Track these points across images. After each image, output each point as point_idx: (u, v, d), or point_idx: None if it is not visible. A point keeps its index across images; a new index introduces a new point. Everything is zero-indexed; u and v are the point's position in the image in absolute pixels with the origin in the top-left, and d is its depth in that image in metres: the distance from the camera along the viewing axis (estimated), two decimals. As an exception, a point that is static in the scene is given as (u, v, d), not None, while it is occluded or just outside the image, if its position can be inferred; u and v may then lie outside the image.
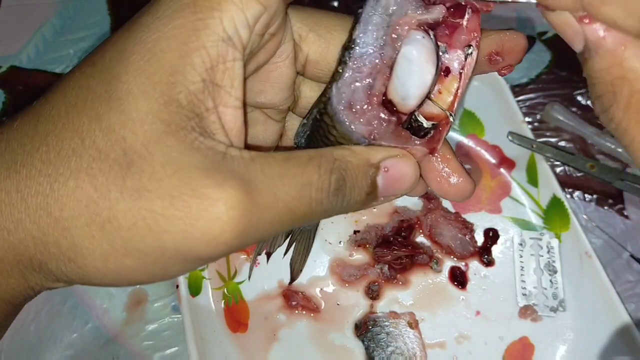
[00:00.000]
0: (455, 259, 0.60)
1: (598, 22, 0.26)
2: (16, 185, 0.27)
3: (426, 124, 0.31)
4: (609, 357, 0.56)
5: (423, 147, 0.32)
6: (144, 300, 0.61)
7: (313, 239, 0.47)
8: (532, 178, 0.62)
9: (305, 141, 0.35)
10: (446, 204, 0.62)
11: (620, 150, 0.64)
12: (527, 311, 0.58)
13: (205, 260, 0.29)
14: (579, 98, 0.70)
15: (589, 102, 0.70)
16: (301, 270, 0.49)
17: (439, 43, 0.31)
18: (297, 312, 0.58)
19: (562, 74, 0.71)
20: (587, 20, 0.26)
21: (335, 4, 0.75)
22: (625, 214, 0.64)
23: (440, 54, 0.31)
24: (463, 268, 0.60)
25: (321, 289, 0.59)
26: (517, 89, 0.70)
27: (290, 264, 0.49)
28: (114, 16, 0.75)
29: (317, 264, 0.60)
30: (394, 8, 0.30)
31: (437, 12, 0.30)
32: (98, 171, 0.26)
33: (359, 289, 0.59)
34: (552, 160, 0.64)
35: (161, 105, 0.27)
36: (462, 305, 0.59)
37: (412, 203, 0.62)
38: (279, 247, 0.45)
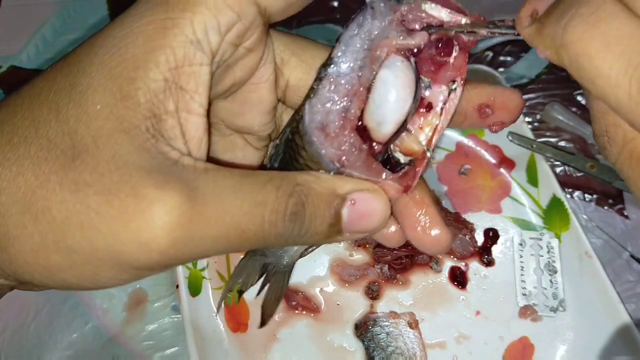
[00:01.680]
0: (455, 259, 0.60)
1: None
2: None
3: (403, 159, 0.30)
4: (609, 357, 0.56)
5: (396, 183, 0.30)
6: (144, 300, 0.61)
7: (287, 282, 0.43)
8: (532, 178, 0.62)
9: (277, 165, 0.34)
10: (446, 204, 0.62)
11: (620, 150, 0.64)
12: (527, 311, 0.58)
13: (139, 270, 0.27)
14: (579, 98, 0.70)
15: (589, 102, 0.70)
16: (272, 315, 0.45)
17: (423, 78, 0.30)
18: (297, 312, 0.58)
19: (562, 74, 0.71)
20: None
21: (335, 4, 0.75)
22: (625, 214, 0.64)
23: (424, 87, 0.30)
24: (463, 268, 0.60)
25: (321, 289, 0.59)
26: (517, 89, 0.70)
27: (262, 307, 0.44)
28: (114, 16, 0.75)
29: (317, 264, 0.60)
30: (376, 32, 0.29)
31: (419, 38, 0.29)
32: (43, 160, 0.25)
33: (359, 289, 0.59)
34: (552, 160, 0.64)
35: (118, 100, 0.26)
36: (462, 305, 0.59)
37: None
38: (251, 285, 0.42)
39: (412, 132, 0.30)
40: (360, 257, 0.60)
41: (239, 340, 0.57)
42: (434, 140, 0.30)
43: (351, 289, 0.59)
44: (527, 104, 0.70)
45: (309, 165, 0.30)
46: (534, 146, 0.62)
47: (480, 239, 0.61)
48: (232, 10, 0.28)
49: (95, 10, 0.75)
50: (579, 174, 0.66)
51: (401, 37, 0.29)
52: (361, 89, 0.29)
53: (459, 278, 0.60)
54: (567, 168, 0.66)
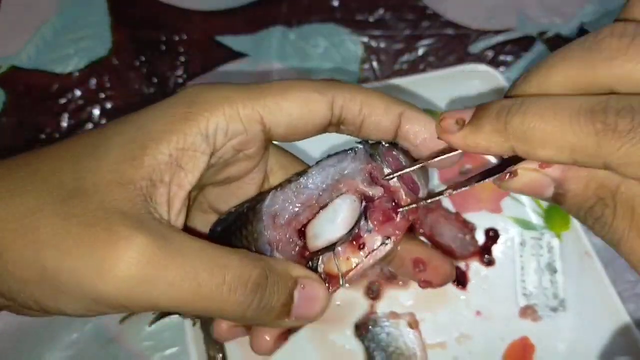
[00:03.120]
0: (455, 259, 0.60)
1: (554, 165, 0.30)
2: None
3: (323, 275, 0.36)
4: (609, 356, 0.56)
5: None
6: (144, 301, 0.61)
7: None
8: (533, 178, 0.62)
9: (222, 223, 0.39)
10: (446, 203, 0.62)
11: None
12: (527, 311, 0.58)
13: (95, 301, 0.30)
14: (579, 98, 0.70)
15: (589, 102, 0.70)
16: None
17: (369, 223, 0.35)
18: (297, 312, 0.58)
19: (562, 73, 0.71)
20: (545, 165, 0.30)
21: (335, 4, 0.75)
22: (626, 213, 0.64)
23: (365, 230, 0.35)
24: (463, 268, 0.60)
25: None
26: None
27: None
28: (113, 16, 0.75)
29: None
30: (348, 171, 0.36)
31: (375, 191, 0.35)
32: (47, 193, 0.30)
33: (359, 289, 0.59)
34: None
35: (126, 159, 0.31)
36: (463, 305, 0.59)
37: (412, 203, 0.62)
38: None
39: (340, 257, 0.35)
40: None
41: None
42: (351, 273, 0.36)
43: (351, 289, 0.59)
44: (527, 103, 0.70)
45: (248, 240, 0.36)
46: (534, 146, 0.62)
47: (480, 238, 0.61)
48: (241, 122, 0.33)
49: (95, 10, 0.75)
50: (579, 174, 0.65)
51: (363, 184, 0.35)
52: (316, 204, 0.36)
53: (459, 278, 0.60)
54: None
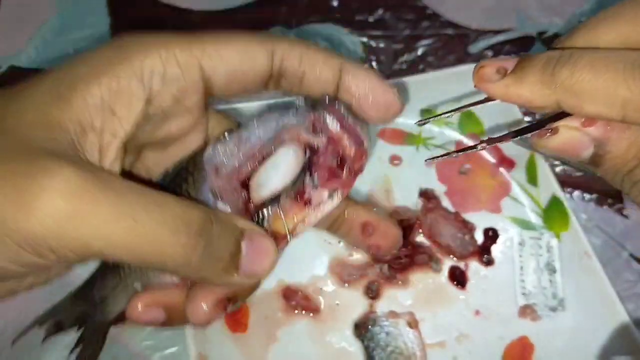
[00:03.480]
0: (454, 258, 0.60)
1: (598, 122, 0.29)
2: None
3: (265, 225, 0.34)
4: (608, 356, 0.56)
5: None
6: (143, 300, 0.61)
7: (102, 344, 0.43)
8: (532, 177, 0.62)
9: (162, 181, 0.37)
10: (446, 203, 0.62)
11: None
12: (526, 310, 0.58)
13: (20, 246, 0.26)
14: (579, 97, 0.70)
15: (588, 102, 0.69)
16: None
17: (314, 177, 0.34)
18: (296, 311, 0.58)
19: (561, 73, 0.71)
20: (587, 124, 0.29)
21: (335, 3, 0.75)
22: (625, 213, 0.64)
23: (312, 185, 0.34)
24: (463, 268, 0.60)
25: (321, 289, 0.59)
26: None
27: None
28: (113, 16, 0.75)
29: (317, 264, 0.60)
30: (291, 121, 0.35)
31: (318, 140, 0.34)
32: None
33: (359, 288, 0.59)
34: (551, 159, 0.64)
35: (53, 100, 0.28)
36: (462, 305, 0.59)
37: (412, 203, 0.62)
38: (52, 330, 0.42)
39: (287, 213, 0.34)
40: (359, 256, 0.60)
41: (238, 340, 0.57)
42: (297, 228, 0.35)
43: (351, 289, 0.59)
44: (526, 103, 0.70)
45: (189, 192, 0.35)
46: (534, 146, 0.62)
47: (480, 238, 0.61)
48: (178, 66, 0.31)
49: (94, 10, 0.75)
50: (578, 174, 0.65)
51: (307, 133, 0.34)
52: (259, 155, 0.34)
53: (458, 278, 0.60)
54: (566, 167, 0.66)
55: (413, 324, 0.58)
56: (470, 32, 0.74)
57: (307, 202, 0.34)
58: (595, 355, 0.56)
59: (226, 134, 0.35)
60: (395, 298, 0.59)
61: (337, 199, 0.35)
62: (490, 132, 0.65)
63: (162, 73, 0.31)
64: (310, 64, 0.34)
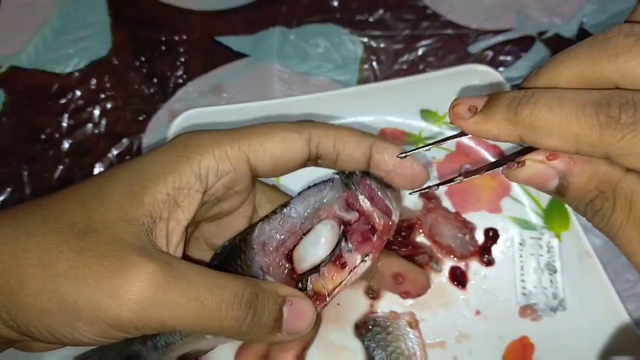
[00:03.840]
0: (455, 258, 0.60)
1: (561, 156, 0.32)
2: (5, 233, 0.34)
3: (308, 289, 0.39)
4: (609, 356, 0.56)
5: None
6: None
7: None
8: (532, 177, 0.62)
9: (219, 256, 0.44)
10: (446, 203, 0.62)
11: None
12: (527, 310, 0.58)
13: (110, 326, 0.33)
14: (579, 98, 0.70)
15: (588, 102, 0.69)
16: None
17: (349, 243, 0.39)
18: (297, 311, 0.58)
19: (562, 73, 0.71)
20: (551, 158, 0.32)
21: (335, 3, 0.75)
22: (625, 213, 0.64)
23: (346, 250, 0.39)
24: (463, 268, 0.60)
25: (321, 289, 0.59)
26: (517, 88, 0.70)
27: None
28: (113, 16, 0.75)
29: (317, 264, 0.60)
30: (327, 200, 0.40)
31: (351, 216, 0.40)
32: (62, 234, 0.34)
33: (359, 289, 0.59)
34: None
35: (128, 199, 0.35)
36: (462, 305, 0.59)
37: (412, 203, 0.62)
38: None
39: (325, 277, 0.39)
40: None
41: (239, 340, 0.57)
42: (335, 291, 0.40)
43: (351, 289, 0.59)
44: (527, 103, 0.70)
45: (243, 267, 0.40)
46: (534, 146, 0.62)
47: (480, 238, 0.61)
48: (229, 162, 0.38)
49: (95, 10, 0.75)
50: (578, 174, 0.65)
51: (340, 210, 0.40)
52: (299, 231, 0.40)
53: (459, 278, 0.60)
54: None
55: (413, 324, 0.58)
56: (470, 32, 0.74)
57: (343, 266, 0.39)
58: (596, 355, 0.56)
59: (271, 214, 0.41)
60: (396, 298, 0.59)
61: (369, 261, 0.40)
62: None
63: (216, 170, 0.37)
64: (343, 146, 0.40)
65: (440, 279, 0.60)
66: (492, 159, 0.64)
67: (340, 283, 0.40)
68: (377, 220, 0.39)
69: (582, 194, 0.32)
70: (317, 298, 0.40)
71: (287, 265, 0.40)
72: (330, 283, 0.39)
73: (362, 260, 0.40)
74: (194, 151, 0.37)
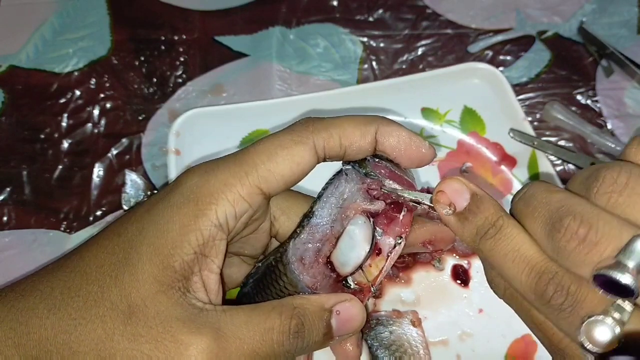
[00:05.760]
0: (457, 256, 0.60)
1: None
2: (52, 324, 0.35)
3: (352, 286, 0.39)
4: (611, 353, 0.56)
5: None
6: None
7: None
8: (534, 175, 0.62)
9: (253, 282, 0.44)
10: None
11: (619, 149, 0.65)
12: (529, 308, 0.58)
13: None
14: (579, 97, 0.70)
15: (588, 101, 0.70)
16: None
17: (377, 227, 0.39)
18: (299, 310, 0.58)
19: (561, 73, 0.71)
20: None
21: (335, 3, 0.75)
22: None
23: (377, 236, 0.39)
24: (465, 266, 0.60)
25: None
26: (517, 88, 0.70)
27: None
28: (113, 16, 0.75)
29: (320, 263, 0.60)
30: (348, 195, 0.39)
31: (378, 205, 0.39)
32: (109, 318, 0.34)
33: (362, 287, 0.59)
34: (553, 157, 0.65)
35: (160, 270, 0.35)
36: (465, 303, 0.59)
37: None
38: None
39: (364, 268, 0.39)
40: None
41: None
42: (378, 279, 0.39)
43: (353, 288, 0.59)
44: (526, 103, 0.70)
45: (287, 288, 0.40)
46: (535, 143, 0.62)
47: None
48: (245, 201, 0.37)
49: (94, 9, 0.75)
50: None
51: (366, 203, 0.39)
52: (332, 236, 0.39)
53: (461, 276, 0.60)
54: (567, 166, 0.66)
55: (416, 322, 0.57)
56: (470, 31, 0.74)
57: (380, 252, 0.39)
58: (599, 352, 0.56)
59: (298, 228, 0.40)
60: (399, 297, 0.59)
61: (403, 242, 0.39)
62: (492, 130, 0.65)
63: (233, 214, 0.37)
64: (349, 143, 0.39)
65: (443, 277, 0.60)
66: (493, 158, 0.64)
67: (381, 270, 0.39)
68: (404, 197, 0.39)
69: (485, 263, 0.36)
70: (362, 291, 0.40)
71: (331, 274, 0.39)
72: (370, 274, 0.39)
73: (397, 242, 0.39)
74: (207, 202, 0.36)
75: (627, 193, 0.30)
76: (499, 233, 0.34)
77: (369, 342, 0.57)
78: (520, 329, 0.57)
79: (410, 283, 0.59)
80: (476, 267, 0.60)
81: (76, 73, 0.72)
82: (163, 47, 0.73)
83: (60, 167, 0.67)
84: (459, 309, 0.59)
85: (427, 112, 0.66)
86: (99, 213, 0.65)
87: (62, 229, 0.65)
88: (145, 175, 0.67)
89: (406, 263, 0.59)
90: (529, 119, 0.68)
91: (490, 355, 0.57)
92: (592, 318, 0.29)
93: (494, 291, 0.37)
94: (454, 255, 0.60)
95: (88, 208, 0.65)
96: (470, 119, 0.65)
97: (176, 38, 0.74)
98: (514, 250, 0.33)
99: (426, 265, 0.60)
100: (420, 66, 0.72)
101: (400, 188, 0.39)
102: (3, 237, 0.64)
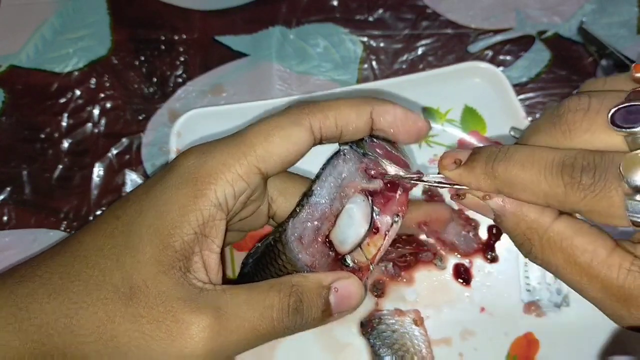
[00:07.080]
0: (459, 255, 0.60)
1: (495, 197, 0.35)
2: (52, 309, 0.35)
3: (351, 264, 0.40)
4: (612, 351, 0.56)
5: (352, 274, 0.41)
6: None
7: None
8: (535, 175, 0.62)
9: (253, 262, 0.44)
10: (449, 201, 0.62)
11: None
12: (531, 307, 0.58)
13: None
14: (578, 96, 0.70)
15: (588, 100, 0.70)
16: None
17: (375, 207, 0.40)
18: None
19: (561, 73, 0.71)
20: (488, 197, 0.35)
21: (335, 3, 0.75)
22: (627, 210, 0.64)
23: (375, 215, 0.40)
24: (467, 265, 0.60)
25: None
26: (517, 88, 0.70)
27: None
28: (113, 15, 0.75)
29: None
30: (346, 174, 0.40)
31: (376, 184, 0.40)
32: (110, 301, 0.35)
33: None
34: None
35: (160, 250, 0.35)
36: (467, 302, 0.59)
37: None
38: None
39: (363, 247, 0.40)
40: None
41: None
42: (377, 257, 0.40)
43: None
44: (526, 103, 0.70)
45: (286, 267, 0.40)
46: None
47: (483, 235, 0.61)
48: (244, 180, 0.38)
49: (94, 9, 0.75)
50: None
51: (364, 182, 0.40)
52: (331, 214, 0.40)
53: (463, 275, 0.60)
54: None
55: (419, 321, 0.57)
56: (470, 31, 0.74)
57: (378, 231, 0.40)
58: (600, 350, 0.56)
59: (298, 207, 0.40)
60: (401, 296, 0.59)
61: (400, 220, 0.40)
62: (492, 129, 0.65)
63: (232, 193, 0.38)
64: (345, 123, 0.40)
65: (445, 276, 0.60)
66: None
67: (380, 249, 0.40)
68: (401, 174, 0.40)
69: (512, 235, 0.35)
70: (361, 270, 0.40)
71: (330, 253, 0.40)
72: (369, 252, 0.40)
73: (394, 220, 0.40)
74: (206, 182, 0.37)
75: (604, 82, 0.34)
76: (508, 152, 0.34)
77: (371, 341, 0.57)
78: (522, 327, 0.58)
79: (412, 282, 0.59)
80: (478, 266, 0.60)
81: (76, 73, 0.71)
82: (163, 47, 0.73)
83: (60, 167, 0.67)
84: (461, 308, 0.59)
85: (428, 112, 0.66)
86: (99, 213, 0.65)
87: (62, 228, 0.65)
88: (145, 175, 0.67)
89: (408, 262, 0.59)
90: (529, 118, 0.68)
91: (493, 354, 0.57)
92: (631, 153, 0.29)
93: (527, 255, 0.35)
94: (456, 254, 0.60)
95: (88, 208, 0.65)
96: (471, 118, 0.65)
97: (176, 38, 0.74)
98: (529, 156, 0.33)
99: (428, 265, 0.60)
100: (420, 66, 0.72)
101: (396, 167, 0.40)
102: (3, 237, 0.64)
